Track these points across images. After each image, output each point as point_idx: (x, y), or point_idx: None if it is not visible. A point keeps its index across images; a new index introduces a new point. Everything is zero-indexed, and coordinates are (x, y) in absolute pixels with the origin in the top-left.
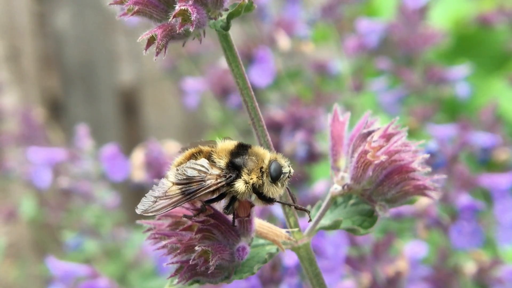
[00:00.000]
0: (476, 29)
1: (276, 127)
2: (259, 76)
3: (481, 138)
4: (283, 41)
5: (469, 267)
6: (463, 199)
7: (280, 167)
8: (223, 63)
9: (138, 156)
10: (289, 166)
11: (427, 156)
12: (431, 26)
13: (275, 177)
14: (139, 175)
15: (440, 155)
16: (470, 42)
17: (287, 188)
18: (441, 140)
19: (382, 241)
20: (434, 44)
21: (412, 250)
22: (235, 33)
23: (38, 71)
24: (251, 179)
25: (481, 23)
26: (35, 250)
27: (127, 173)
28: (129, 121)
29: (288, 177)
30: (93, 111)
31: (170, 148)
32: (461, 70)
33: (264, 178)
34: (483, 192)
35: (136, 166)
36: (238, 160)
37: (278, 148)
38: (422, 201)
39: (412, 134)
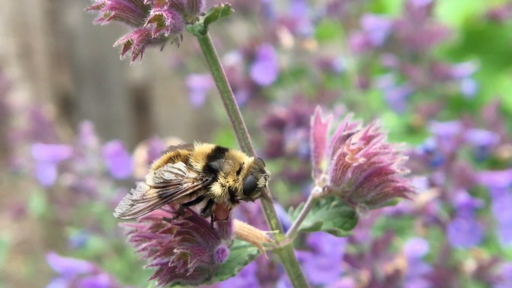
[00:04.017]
0: (486, 25)
1: (279, 125)
2: (262, 73)
3: (478, 136)
4: (286, 39)
5: (469, 264)
6: (461, 197)
7: (254, 183)
8: (228, 60)
9: (141, 153)
10: (265, 178)
11: (406, 158)
12: (437, 23)
13: (248, 191)
14: (141, 172)
15: (438, 153)
16: (480, 38)
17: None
18: (440, 138)
19: (381, 239)
20: (441, 41)
21: (412, 248)
22: (239, 30)
23: (49, 68)
24: (227, 182)
25: (491, 18)
26: (46, 247)
27: (130, 170)
28: (140, 118)
29: (264, 186)
30: (104, 108)
31: None
32: (467, 67)
33: (239, 187)
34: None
35: (138, 163)
36: (214, 164)
37: (281, 146)
38: (422, 199)
39: (416, 131)
